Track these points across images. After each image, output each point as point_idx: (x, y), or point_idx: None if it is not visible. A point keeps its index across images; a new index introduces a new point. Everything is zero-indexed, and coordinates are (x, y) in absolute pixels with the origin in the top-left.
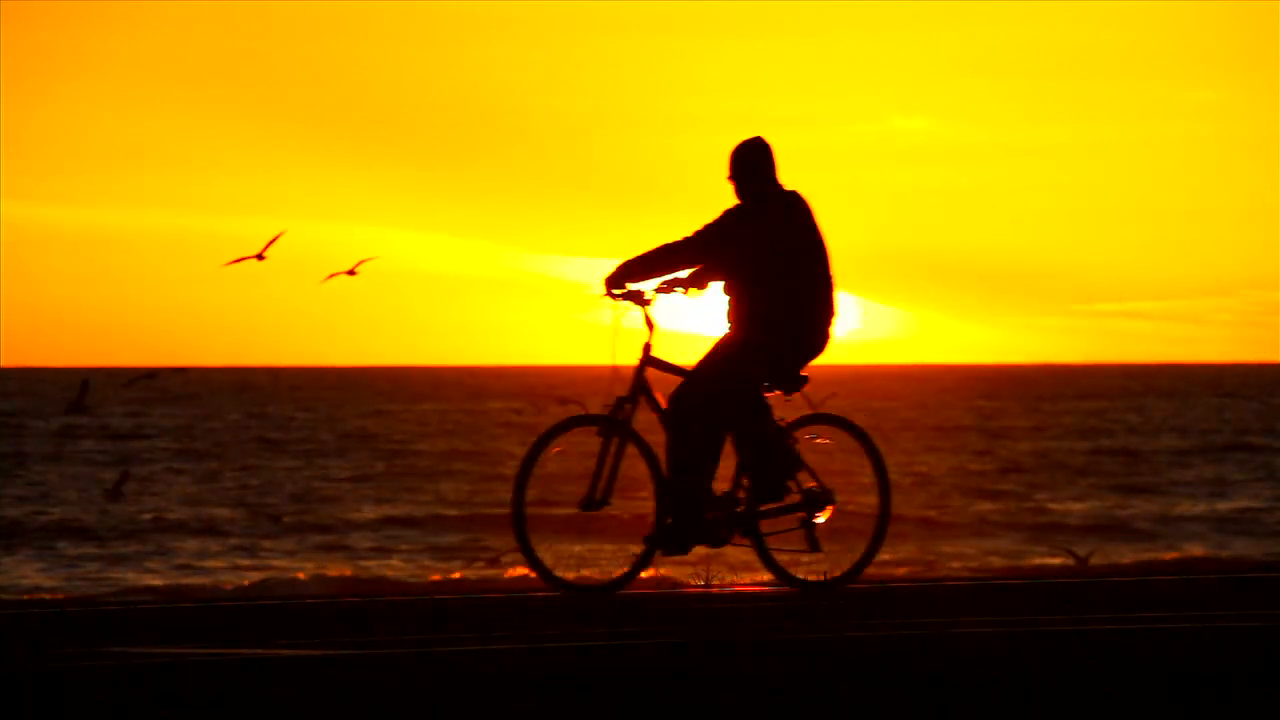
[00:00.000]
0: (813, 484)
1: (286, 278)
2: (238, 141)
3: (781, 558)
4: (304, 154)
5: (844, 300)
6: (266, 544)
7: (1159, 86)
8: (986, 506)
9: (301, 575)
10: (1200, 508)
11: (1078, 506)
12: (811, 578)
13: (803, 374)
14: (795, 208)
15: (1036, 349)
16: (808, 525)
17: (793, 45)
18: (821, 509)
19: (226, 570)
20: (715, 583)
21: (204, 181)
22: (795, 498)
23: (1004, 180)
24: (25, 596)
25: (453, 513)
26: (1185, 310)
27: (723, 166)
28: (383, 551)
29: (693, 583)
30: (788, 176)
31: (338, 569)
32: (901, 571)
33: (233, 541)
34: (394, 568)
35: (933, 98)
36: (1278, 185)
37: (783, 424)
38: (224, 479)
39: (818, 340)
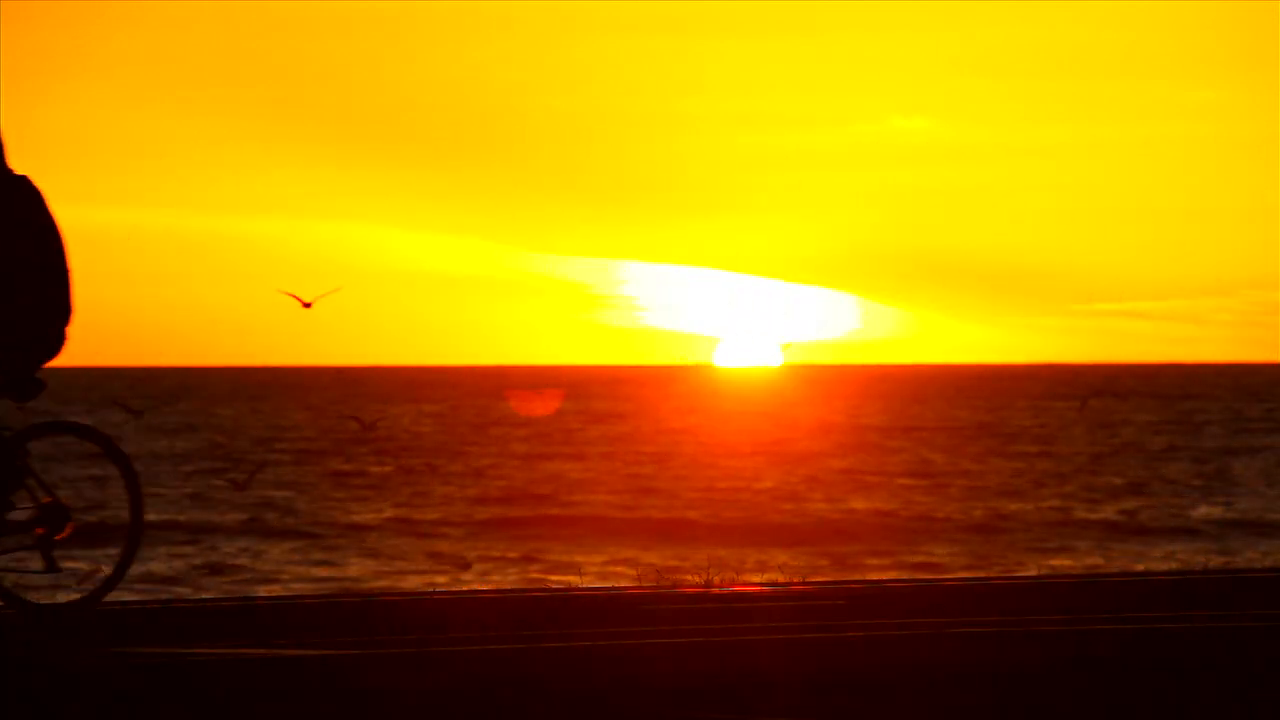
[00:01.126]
0: (49, 499)
1: (286, 278)
2: (238, 141)
3: (12, 579)
4: (305, 154)
5: (844, 300)
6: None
7: (1159, 86)
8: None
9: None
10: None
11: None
12: (47, 600)
13: (38, 378)
14: (24, 195)
15: (1037, 349)
16: (45, 543)
17: (793, 45)
18: (61, 526)
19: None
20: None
21: (203, 181)
22: (31, 513)
23: (1004, 180)
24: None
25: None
26: (1185, 310)
27: (724, 166)
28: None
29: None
30: (790, 177)
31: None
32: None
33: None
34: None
35: (932, 98)
36: (1277, 185)
37: (9, 434)
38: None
39: (51, 340)
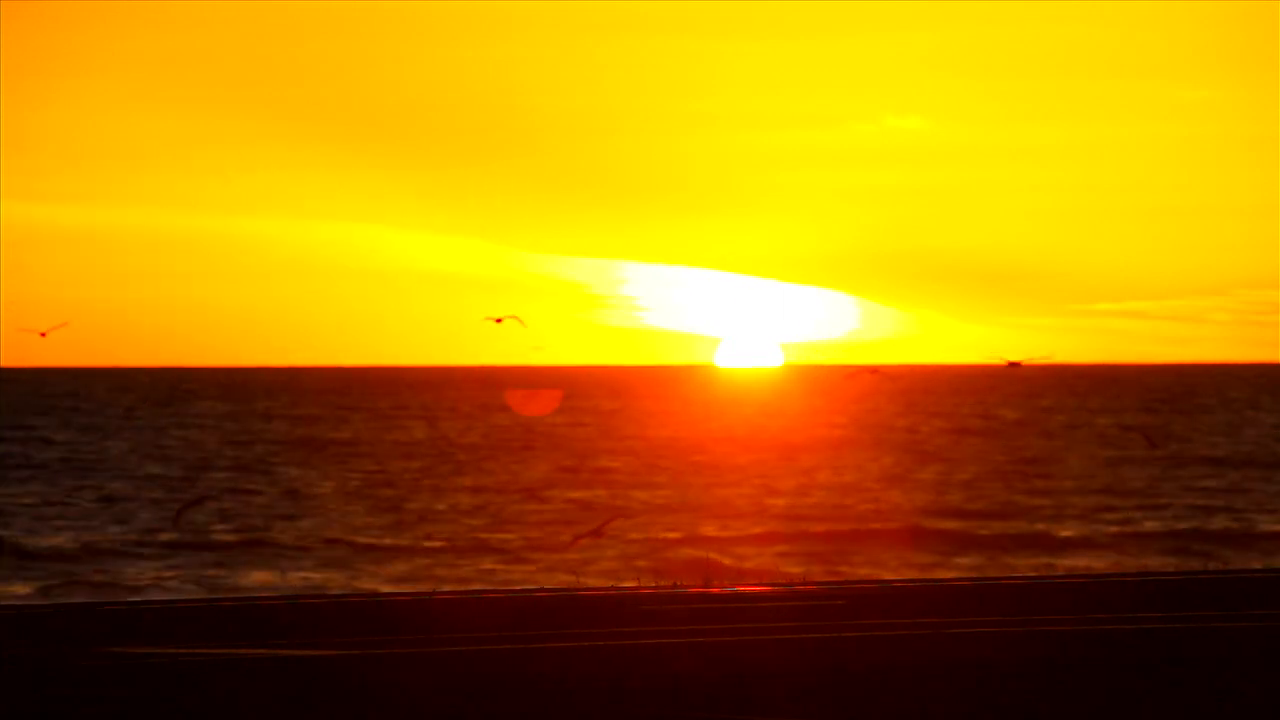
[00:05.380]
0: None
1: (289, 278)
2: (238, 142)
3: None
4: (304, 155)
5: (841, 300)
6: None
7: (1154, 86)
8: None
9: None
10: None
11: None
12: None
13: None
14: None
15: (1035, 348)
16: None
17: (786, 46)
18: None
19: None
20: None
21: (204, 182)
22: None
23: (1000, 180)
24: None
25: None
26: (1182, 310)
27: (722, 167)
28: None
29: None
30: (787, 176)
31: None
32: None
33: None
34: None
35: (925, 97)
36: (1274, 184)
37: None
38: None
39: None
